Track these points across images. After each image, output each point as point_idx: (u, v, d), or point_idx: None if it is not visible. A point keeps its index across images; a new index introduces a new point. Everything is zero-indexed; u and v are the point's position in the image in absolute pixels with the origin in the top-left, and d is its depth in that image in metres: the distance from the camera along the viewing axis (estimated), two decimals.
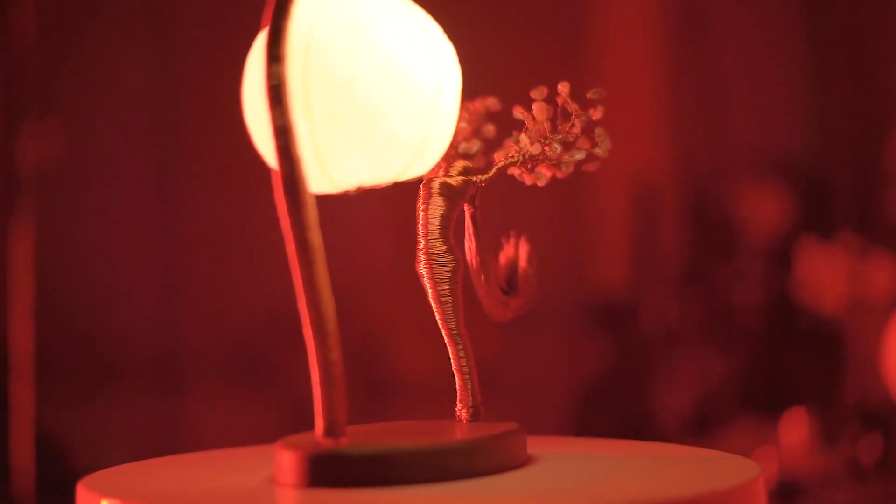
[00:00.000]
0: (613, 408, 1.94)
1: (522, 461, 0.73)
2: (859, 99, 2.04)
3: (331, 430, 0.67)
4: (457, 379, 0.76)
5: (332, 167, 0.71)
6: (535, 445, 0.76)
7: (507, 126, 0.78)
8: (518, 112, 0.76)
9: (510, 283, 0.79)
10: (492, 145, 0.79)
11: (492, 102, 0.80)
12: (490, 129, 0.80)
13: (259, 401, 1.81)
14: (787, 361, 1.92)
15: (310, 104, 0.69)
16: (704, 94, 2.02)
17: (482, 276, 0.77)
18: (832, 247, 1.81)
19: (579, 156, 0.75)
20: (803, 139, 2.09)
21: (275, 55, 0.67)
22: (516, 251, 0.79)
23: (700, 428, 1.85)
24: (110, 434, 1.74)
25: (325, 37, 0.70)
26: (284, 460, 0.69)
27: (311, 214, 0.66)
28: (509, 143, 0.77)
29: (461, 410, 0.76)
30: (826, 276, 1.80)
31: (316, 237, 0.66)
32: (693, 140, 2.03)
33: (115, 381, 1.78)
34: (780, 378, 1.91)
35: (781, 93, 2.06)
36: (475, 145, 0.79)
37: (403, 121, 0.71)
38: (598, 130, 0.75)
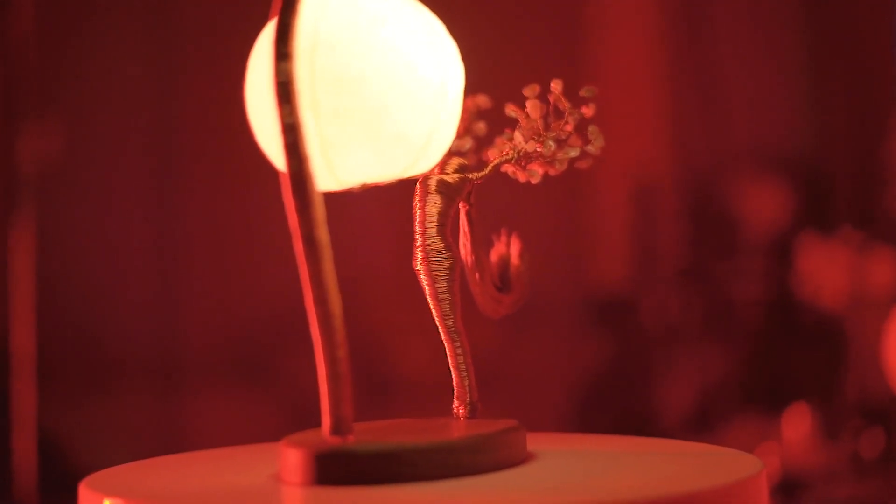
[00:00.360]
0: (614, 405, 1.94)
1: (523, 458, 0.73)
2: (858, 95, 2.04)
3: (338, 428, 0.67)
4: (454, 376, 0.76)
5: (338, 164, 0.71)
6: (534, 442, 0.76)
7: (498, 123, 0.78)
8: (511, 110, 0.76)
9: (503, 280, 0.80)
10: (482, 143, 0.80)
11: (482, 100, 0.80)
12: (481, 127, 0.80)
13: (259, 399, 1.81)
14: (789, 357, 1.92)
15: (317, 101, 0.69)
16: (704, 90, 2.02)
17: (477, 274, 0.77)
18: (832, 242, 1.81)
19: (573, 153, 0.75)
20: (802, 135, 2.09)
21: (283, 52, 0.66)
22: (508, 248, 0.80)
23: (701, 424, 1.85)
24: (112, 433, 1.74)
25: (331, 34, 0.70)
26: (290, 458, 0.69)
27: (319, 212, 0.66)
28: (502, 140, 0.77)
29: (458, 407, 0.76)
30: (826, 271, 1.80)
31: (324, 234, 0.66)
32: (692, 137, 2.03)
33: (117, 380, 1.78)
34: (781, 374, 1.91)
35: (780, 89, 2.06)
36: (467, 143, 0.79)
37: (409, 118, 0.71)
38: (591, 128, 0.75)
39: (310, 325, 0.67)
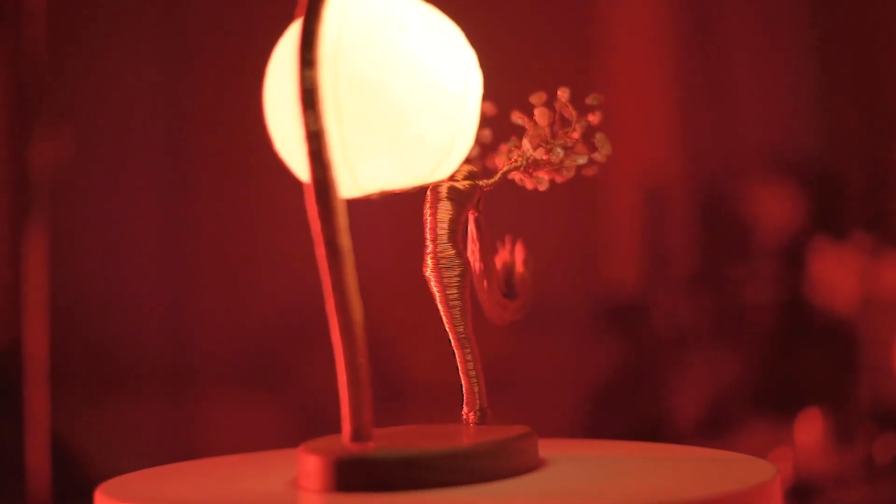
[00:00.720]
0: (626, 409, 1.93)
1: (537, 464, 0.73)
2: (870, 98, 2.03)
3: (358, 434, 0.67)
4: (464, 382, 0.77)
5: (360, 171, 0.72)
6: (545, 448, 0.76)
7: (504, 131, 0.78)
8: (518, 117, 0.77)
9: (508, 287, 0.80)
10: (486, 150, 0.80)
11: (488, 107, 0.80)
12: (486, 134, 0.80)
13: (272, 404, 1.81)
14: (801, 361, 1.92)
15: (339, 108, 0.70)
16: (714, 94, 2.02)
17: (485, 281, 0.78)
18: (844, 246, 1.81)
19: (581, 160, 0.76)
20: (814, 138, 2.08)
21: (307, 59, 0.67)
22: (512, 255, 0.80)
23: (714, 429, 1.85)
24: (125, 438, 1.74)
25: (354, 41, 0.70)
26: (309, 464, 0.69)
27: (342, 218, 0.67)
28: (508, 147, 0.78)
29: (468, 414, 0.77)
30: (838, 275, 1.80)
31: (346, 241, 0.67)
32: (704, 140, 2.03)
33: (130, 386, 1.78)
34: (793, 378, 1.91)
35: (792, 92, 2.06)
36: (473, 150, 0.80)
37: (431, 124, 0.71)
38: (598, 135, 0.76)
39: (331, 331, 0.67)
